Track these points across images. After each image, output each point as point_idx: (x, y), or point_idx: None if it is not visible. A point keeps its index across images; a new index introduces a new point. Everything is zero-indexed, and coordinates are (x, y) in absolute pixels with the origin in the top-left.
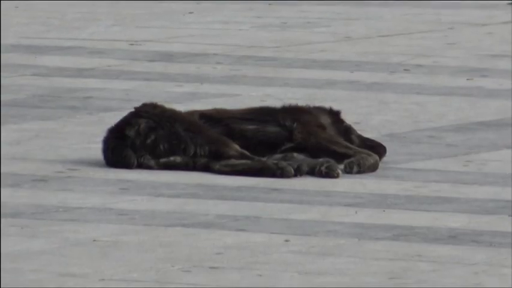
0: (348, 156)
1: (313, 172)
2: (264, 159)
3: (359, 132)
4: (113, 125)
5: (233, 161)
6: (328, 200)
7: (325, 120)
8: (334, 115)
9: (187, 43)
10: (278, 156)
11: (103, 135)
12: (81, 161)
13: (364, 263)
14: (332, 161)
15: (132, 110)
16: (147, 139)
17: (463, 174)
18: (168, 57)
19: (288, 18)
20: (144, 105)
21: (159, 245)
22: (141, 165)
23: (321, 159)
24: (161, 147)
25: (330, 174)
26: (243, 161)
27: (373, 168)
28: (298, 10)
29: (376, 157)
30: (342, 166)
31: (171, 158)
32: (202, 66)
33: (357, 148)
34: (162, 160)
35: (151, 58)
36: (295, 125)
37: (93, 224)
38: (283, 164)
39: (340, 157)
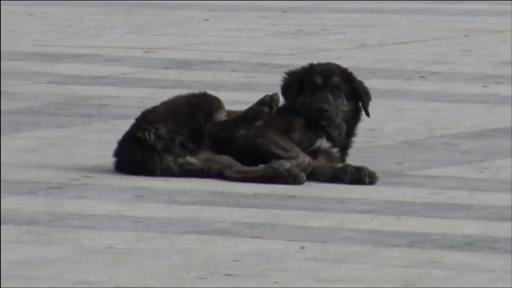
0: (279, 158)
1: (338, 178)
2: (276, 165)
3: (374, 139)
4: (126, 131)
5: (245, 168)
6: (343, 207)
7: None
8: None
9: (202, 51)
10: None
11: (118, 141)
12: (97, 168)
13: (380, 270)
14: (366, 167)
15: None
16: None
17: (479, 181)
18: (183, 64)
19: (303, 26)
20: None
21: (175, 252)
22: (162, 170)
23: (340, 165)
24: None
25: (372, 182)
26: (255, 168)
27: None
28: (313, 17)
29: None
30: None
31: (188, 158)
32: (218, 74)
33: (296, 152)
34: (180, 160)
35: (166, 66)
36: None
37: (108, 232)
38: (295, 170)
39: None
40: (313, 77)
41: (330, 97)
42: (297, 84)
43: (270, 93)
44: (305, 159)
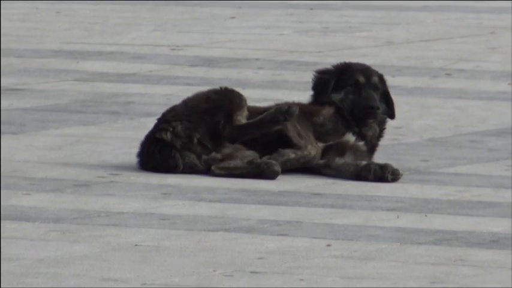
0: (291, 141)
1: (361, 177)
2: (266, 159)
3: (400, 137)
4: (148, 132)
5: (229, 163)
6: (370, 205)
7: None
8: None
9: (228, 48)
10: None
11: (141, 142)
12: (123, 166)
13: (406, 267)
14: (389, 165)
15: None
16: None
17: (505, 179)
18: (210, 62)
19: (330, 23)
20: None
21: (201, 249)
22: (185, 166)
23: (364, 163)
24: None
25: (395, 179)
26: (240, 165)
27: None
28: (340, 15)
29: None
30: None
31: (213, 154)
32: (244, 71)
33: (305, 142)
34: (205, 157)
35: (192, 63)
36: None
37: (134, 229)
38: (271, 162)
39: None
40: (355, 75)
41: (376, 96)
42: (335, 81)
43: (288, 104)
44: (311, 151)
